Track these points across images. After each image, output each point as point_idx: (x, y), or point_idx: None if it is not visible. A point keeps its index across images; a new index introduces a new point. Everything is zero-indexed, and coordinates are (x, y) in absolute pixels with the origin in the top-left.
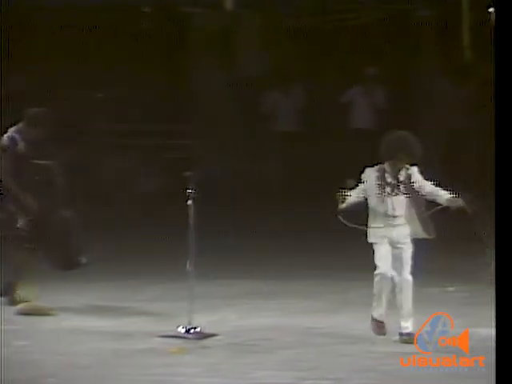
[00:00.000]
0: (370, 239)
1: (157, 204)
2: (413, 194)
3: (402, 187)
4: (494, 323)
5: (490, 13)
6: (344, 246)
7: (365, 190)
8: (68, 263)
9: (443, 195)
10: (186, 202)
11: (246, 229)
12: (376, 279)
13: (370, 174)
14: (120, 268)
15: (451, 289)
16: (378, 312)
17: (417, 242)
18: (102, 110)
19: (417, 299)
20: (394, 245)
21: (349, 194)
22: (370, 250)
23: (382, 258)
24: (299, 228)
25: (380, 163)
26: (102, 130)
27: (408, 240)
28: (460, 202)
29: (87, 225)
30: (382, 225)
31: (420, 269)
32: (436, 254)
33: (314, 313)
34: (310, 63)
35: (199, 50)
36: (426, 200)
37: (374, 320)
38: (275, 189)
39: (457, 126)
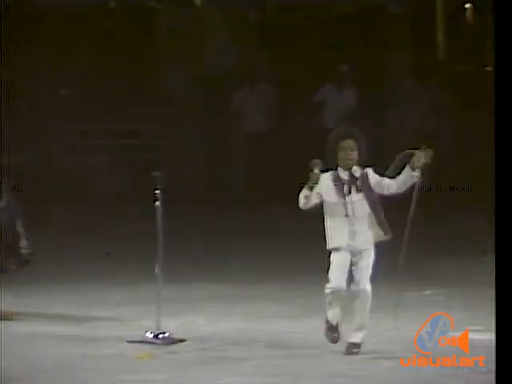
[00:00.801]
0: (331, 245)
1: (123, 205)
2: (370, 193)
3: (358, 184)
4: (471, 327)
5: (465, 9)
6: (312, 247)
7: (319, 194)
8: (19, 260)
9: (403, 175)
10: (154, 202)
11: (215, 230)
12: (327, 291)
13: (324, 179)
14: (85, 270)
15: (427, 292)
16: (331, 315)
17: (383, 246)
18: (66, 108)
19: (393, 303)
20: (354, 252)
21: (316, 173)
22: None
23: (337, 269)
24: (268, 229)
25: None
26: (67, 129)
27: (370, 246)
28: (422, 158)
29: (49, 225)
30: (343, 229)
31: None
32: (410, 256)
33: (285, 317)
34: (280, 60)
35: (166, 47)
36: (380, 200)
37: (327, 322)
38: (244, 189)
39: (431, 127)
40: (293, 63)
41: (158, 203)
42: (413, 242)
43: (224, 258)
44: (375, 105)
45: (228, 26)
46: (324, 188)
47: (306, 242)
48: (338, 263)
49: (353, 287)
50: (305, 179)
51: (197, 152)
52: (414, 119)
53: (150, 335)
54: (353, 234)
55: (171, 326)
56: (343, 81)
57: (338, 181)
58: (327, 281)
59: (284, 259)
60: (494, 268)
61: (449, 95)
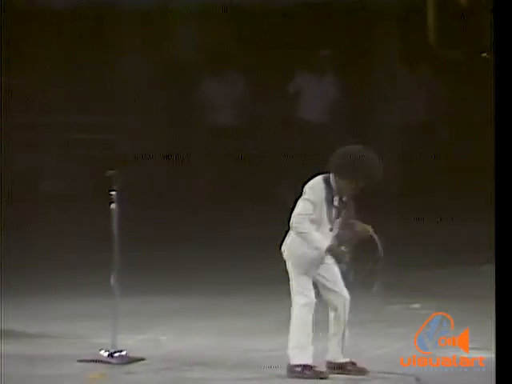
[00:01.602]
0: (305, 265)
1: (75, 208)
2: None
3: (343, 212)
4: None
5: None
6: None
7: (314, 206)
8: None
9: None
10: (110, 205)
11: (178, 237)
12: (304, 310)
13: (319, 189)
14: (31, 282)
15: (416, 306)
16: (307, 354)
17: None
18: (11, 99)
19: (377, 318)
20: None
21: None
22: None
23: (308, 283)
24: (236, 236)
25: (324, 174)
26: (12, 122)
27: None
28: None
29: None
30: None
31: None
32: (397, 266)
33: (257, 333)
34: (253, 47)
35: (124, 32)
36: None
37: (305, 367)
38: (210, 192)
39: (420, 120)
40: (266, 50)
41: (113, 206)
42: (401, 250)
43: (188, 267)
44: (359, 96)
45: (193, 8)
46: (318, 200)
47: (277, 249)
48: (307, 279)
49: (333, 295)
50: (278, 184)
51: (158, 148)
52: (403, 112)
53: (104, 354)
54: (326, 259)
55: (128, 343)
56: (322, 69)
57: (330, 202)
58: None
59: (254, 269)
60: (493, 280)
61: (442, 84)
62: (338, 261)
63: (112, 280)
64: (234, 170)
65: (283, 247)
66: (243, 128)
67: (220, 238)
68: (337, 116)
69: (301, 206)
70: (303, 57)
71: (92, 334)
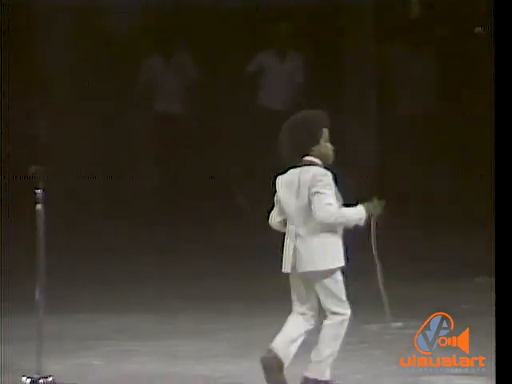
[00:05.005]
0: (340, 263)
1: None
2: None
3: None
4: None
5: None
6: (239, 271)
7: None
8: None
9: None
10: (34, 206)
11: (116, 245)
12: (344, 324)
13: (329, 173)
14: None
15: (398, 324)
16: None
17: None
18: None
19: (355, 339)
20: None
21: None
22: (271, 275)
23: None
24: (184, 248)
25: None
26: None
27: None
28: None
29: None
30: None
31: None
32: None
33: (210, 358)
34: (203, 20)
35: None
36: None
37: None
38: (153, 194)
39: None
40: (218, 26)
41: (39, 206)
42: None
43: (128, 282)
44: (329, 77)
45: None
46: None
47: (232, 263)
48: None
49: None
50: (234, 187)
51: (88, 141)
52: (379, 96)
53: (27, 380)
54: None
55: (57, 368)
56: (286, 45)
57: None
58: (257, 312)
59: (204, 285)
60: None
61: (428, 65)
62: (379, 214)
63: (37, 294)
64: (181, 168)
65: (311, 267)
66: (191, 116)
67: (168, 248)
68: (303, 101)
69: (324, 197)
70: (260, 31)
71: (13, 358)
